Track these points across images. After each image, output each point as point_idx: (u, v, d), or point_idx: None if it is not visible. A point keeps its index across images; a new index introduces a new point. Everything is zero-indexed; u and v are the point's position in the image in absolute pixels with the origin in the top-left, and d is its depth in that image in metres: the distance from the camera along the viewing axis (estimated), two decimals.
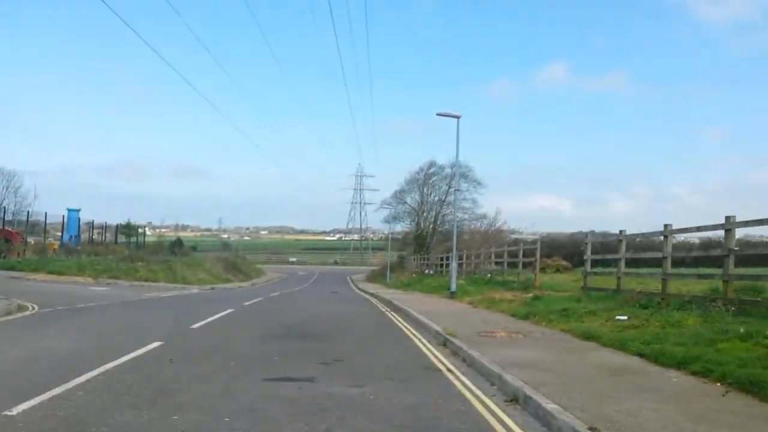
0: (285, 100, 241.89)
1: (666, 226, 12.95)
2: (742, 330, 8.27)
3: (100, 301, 17.89)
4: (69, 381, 6.43)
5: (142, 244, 52.60)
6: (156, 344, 9.35)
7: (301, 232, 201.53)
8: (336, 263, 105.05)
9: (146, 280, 30.48)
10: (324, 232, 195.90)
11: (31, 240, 40.68)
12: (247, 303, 19.96)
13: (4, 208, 40.75)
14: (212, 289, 32.55)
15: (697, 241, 35.25)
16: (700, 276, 13.81)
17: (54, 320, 12.52)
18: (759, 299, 10.32)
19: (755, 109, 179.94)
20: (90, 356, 8.05)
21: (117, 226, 51.14)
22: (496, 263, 28.41)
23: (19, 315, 13.08)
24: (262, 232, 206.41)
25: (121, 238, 50.56)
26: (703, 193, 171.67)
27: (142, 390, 6.27)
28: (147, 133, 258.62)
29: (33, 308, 14.20)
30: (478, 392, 6.65)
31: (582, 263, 17.36)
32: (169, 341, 9.80)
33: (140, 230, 56.43)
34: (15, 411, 5.25)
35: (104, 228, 50.06)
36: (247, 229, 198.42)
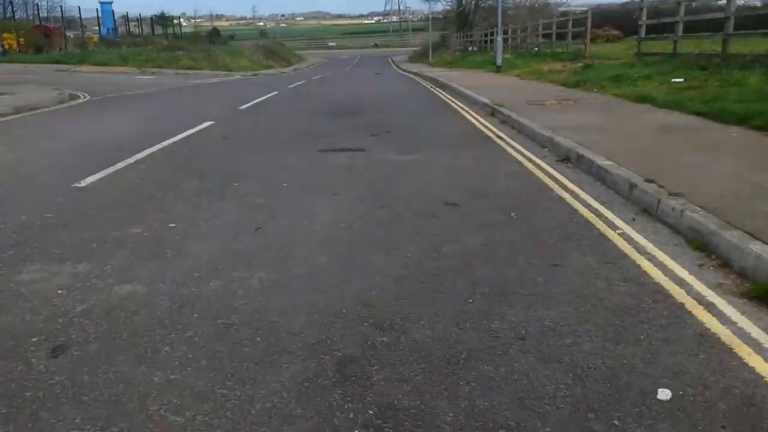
0: None
1: None
2: None
3: (147, 88, 18.02)
4: (131, 156, 6.67)
5: (180, 34, 51.69)
6: (208, 123, 9.53)
7: (338, 16, 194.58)
8: (376, 46, 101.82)
9: (189, 68, 30.28)
10: (361, 16, 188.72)
11: (69, 34, 40.29)
12: (291, 86, 19.87)
13: (38, 5, 39.98)
14: (255, 75, 32.30)
15: (758, 3, 32.65)
16: (766, 34, 12.91)
17: (107, 106, 12.79)
18: None
19: None
20: (147, 135, 8.24)
21: (152, 17, 49.91)
22: (544, 36, 27.08)
23: (72, 103, 13.33)
24: (298, 19, 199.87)
25: (158, 30, 49.65)
26: None
27: (201, 163, 6.48)
28: None
29: (84, 97, 14.42)
30: (529, 154, 6.65)
31: (635, 32, 16.29)
32: (220, 121, 9.97)
33: (175, 21, 55.16)
34: (84, 183, 5.51)
35: (139, 20, 49.02)
36: (282, 16, 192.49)
